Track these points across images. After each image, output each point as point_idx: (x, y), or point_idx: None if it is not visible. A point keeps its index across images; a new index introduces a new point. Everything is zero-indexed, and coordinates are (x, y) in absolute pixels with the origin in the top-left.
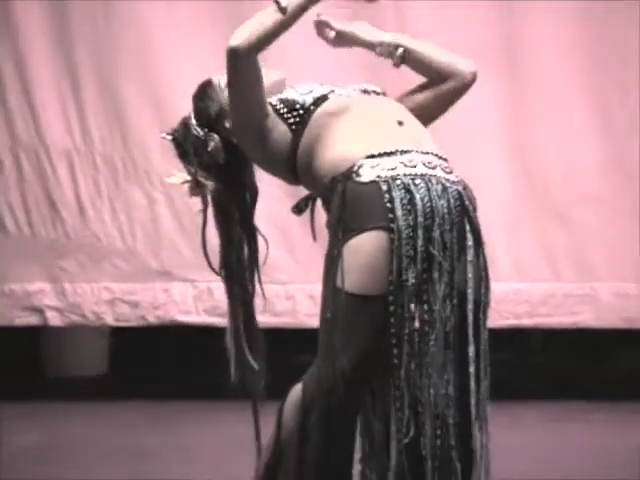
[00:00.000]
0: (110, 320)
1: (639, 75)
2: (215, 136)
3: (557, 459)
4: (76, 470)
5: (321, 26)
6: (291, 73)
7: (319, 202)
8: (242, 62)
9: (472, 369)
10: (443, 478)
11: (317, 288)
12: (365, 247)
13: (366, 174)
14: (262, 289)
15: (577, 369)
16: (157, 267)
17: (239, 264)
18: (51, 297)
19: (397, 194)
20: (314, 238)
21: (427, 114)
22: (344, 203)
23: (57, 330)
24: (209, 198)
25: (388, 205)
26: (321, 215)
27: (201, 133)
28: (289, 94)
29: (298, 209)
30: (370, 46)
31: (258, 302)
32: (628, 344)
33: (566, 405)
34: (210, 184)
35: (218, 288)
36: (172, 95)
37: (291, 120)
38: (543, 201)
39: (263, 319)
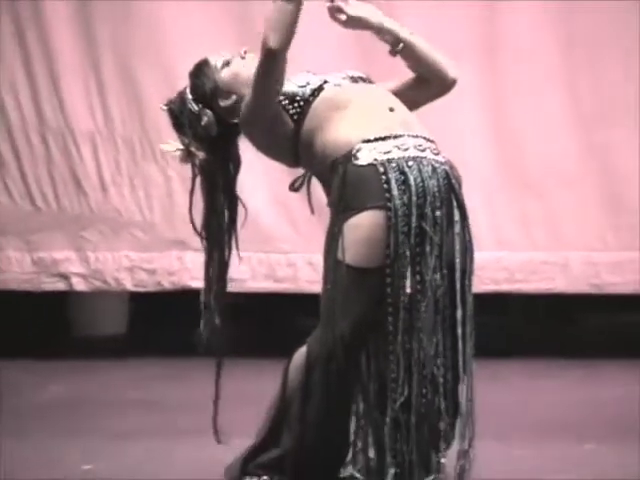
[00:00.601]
0: (129, 285)
1: (610, 70)
2: (209, 111)
3: (535, 411)
4: (98, 419)
5: (333, 10)
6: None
7: (314, 179)
8: (278, 61)
9: (460, 331)
10: (433, 430)
11: (316, 257)
12: (364, 224)
13: (364, 157)
14: (238, 252)
15: (551, 329)
16: (172, 237)
17: (219, 228)
18: (76, 265)
19: (393, 176)
20: (312, 211)
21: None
22: (344, 184)
23: (82, 294)
24: (197, 166)
25: (385, 186)
26: (316, 190)
27: (196, 108)
28: (288, 87)
29: (294, 187)
30: (377, 31)
31: (261, 270)
32: (596, 307)
33: (542, 362)
34: (201, 154)
35: None
36: (186, 81)
37: (292, 111)
38: (521, 179)
39: (267, 285)
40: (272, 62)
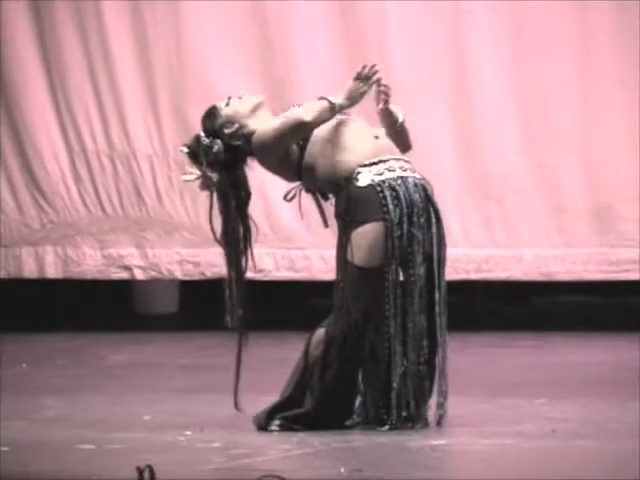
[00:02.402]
0: (179, 275)
1: (556, 103)
2: (218, 141)
3: (495, 373)
4: (156, 380)
5: (383, 95)
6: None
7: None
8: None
9: (437, 309)
10: (420, 389)
11: (327, 252)
12: (368, 233)
13: (363, 179)
14: (253, 257)
15: (508, 308)
16: (216, 242)
17: (234, 237)
18: (137, 259)
19: (388, 193)
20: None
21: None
22: (349, 202)
23: (142, 282)
24: (214, 189)
25: (383, 202)
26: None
27: (207, 141)
28: None
29: (287, 198)
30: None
31: (284, 263)
32: (544, 291)
33: (501, 334)
34: (215, 176)
35: (255, 252)
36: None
37: None
38: (485, 191)
39: (288, 274)
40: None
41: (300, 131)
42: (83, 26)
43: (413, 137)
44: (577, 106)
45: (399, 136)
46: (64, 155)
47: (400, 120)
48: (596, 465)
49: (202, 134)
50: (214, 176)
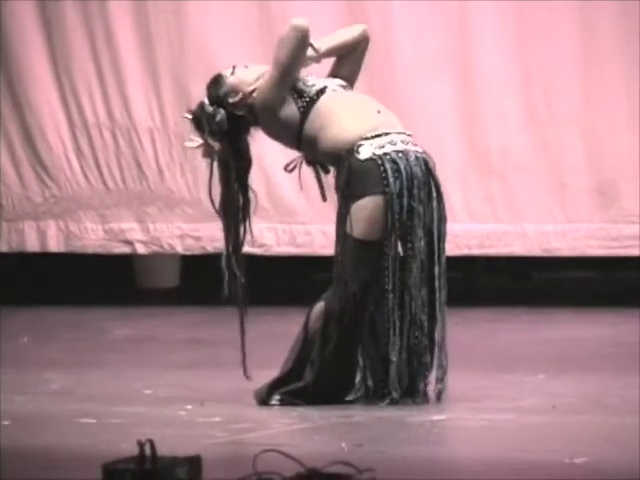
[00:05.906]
0: (180, 250)
1: (558, 83)
2: (221, 110)
3: (496, 348)
4: (157, 354)
5: None
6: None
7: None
8: (305, 38)
9: (436, 283)
10: (420, 363)
11: (328, 227)
12: (368, 206)
13: (364, 153)
14: (251, 229)
15: (510, 284)
16: (213, 211)
17: (233, 208)
18: (139, 233)
19: (388, 166)
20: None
21: (354, 78)
22: (350, 174)
23: (143, 256)
24: (215, 158)
25: (383, 175)
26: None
27: (211, 109)
28: (298, 85)
29: (288, 169)
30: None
31: (285, 238)
32: (546, 266)
33: (502, 309)
34: (217, 145)
35: (256, 227)
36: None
37: (300, 104)
38: (487, 167)
39: (289, 249)
40: (299, 37)
41: (305, 40)
42: (85, 2)
43: (418, 114)
44: (579, 83)
45: (346, 56)
46: (66, 129)
47: (321, 48)
48: (596, 440)
49: (206, 102)
50: (216, 145)
